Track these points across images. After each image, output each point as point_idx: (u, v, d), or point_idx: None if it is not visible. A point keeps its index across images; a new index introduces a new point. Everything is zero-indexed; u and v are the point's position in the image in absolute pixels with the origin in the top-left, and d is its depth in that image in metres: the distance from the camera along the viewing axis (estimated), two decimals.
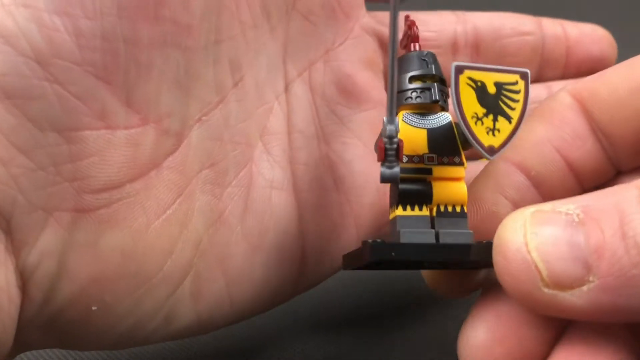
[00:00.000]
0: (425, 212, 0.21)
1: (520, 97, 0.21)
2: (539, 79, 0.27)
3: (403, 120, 0.22)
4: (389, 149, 0.19)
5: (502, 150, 0.20)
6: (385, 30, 0.27)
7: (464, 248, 0.20)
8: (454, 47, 0.28)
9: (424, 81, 0.22)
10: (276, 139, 0.24)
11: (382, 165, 0.20)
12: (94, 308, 0.19)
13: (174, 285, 0.21)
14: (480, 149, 0.20)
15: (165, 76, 0.20)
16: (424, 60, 0.22)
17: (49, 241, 0.18)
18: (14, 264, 0.18)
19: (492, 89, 0.20)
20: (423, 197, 0.21)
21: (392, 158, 0.19)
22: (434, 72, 0.22)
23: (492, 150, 0.20)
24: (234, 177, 0.22)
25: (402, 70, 0.22)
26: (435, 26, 0.28)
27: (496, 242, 0.18)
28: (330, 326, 0.29)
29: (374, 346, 0.27)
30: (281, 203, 0.23)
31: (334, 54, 0.25)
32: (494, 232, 0.20)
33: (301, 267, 0.24)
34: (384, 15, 0.27)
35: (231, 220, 0.22)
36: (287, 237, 0.23)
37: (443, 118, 0.22)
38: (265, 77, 0.23)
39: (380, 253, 0.19)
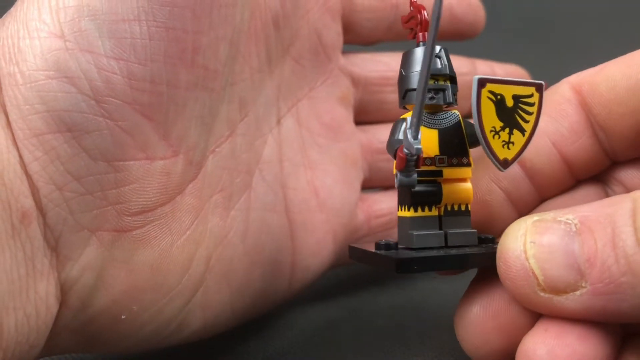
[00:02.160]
0: (434, 212, 0.22)
1: (534, 109, 0.21)
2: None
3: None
4: (410, 160, 0.20)
5: (514, 163, 0.21)
6: (356, 70, 0.31)
7: (474, 258, 0.21)
8: None
9: (436, 80, 0.22)
10: (270, 167, 0.27)
11: (401, 173, 0.20)
12: (123, 317, 0.21)
13: (188, 296, 0.23)
14: (496, 162, 0.21)
15: (194, 114, 0.22)
16: (438, 57, 0.22)
17: (90, 257, 0.20)
18: (56, 278, 0.20)
19: (510, 102, 0.21)
20: (434, 198, 0.22)
21: (412, 168, 0.20)
22: (448, 72, 0.22)
23: (505, 163, 0.21)
24: (236, 201, 0.25)
25: (412, 66, 0.22)
26: (396, 66, 0.31)
27: (499, 248, 0.20)
28: (331, 324, 0.30)
29: (374, 344, 0.27)
30: (275, 223, 0.26)
31: (316, 92, 0.29)
32: (485, 219, 0.23)
33: (291, 278, 0.27)
34: (356, 57, 0.31)
35: (235, 239, 0.25)
36: (281, 253, 0.26)
37: (453, 117, 0.22)
38: (263, 112, 0.26)
39: (406, 268, 0.20)
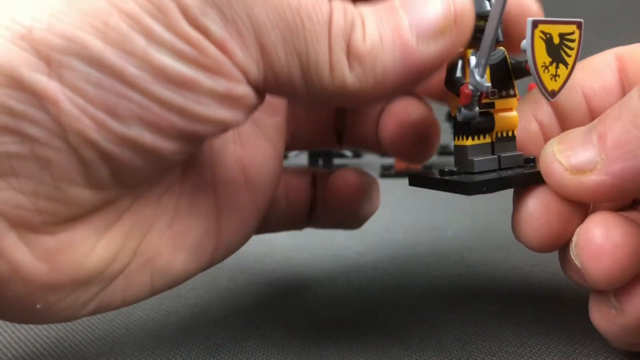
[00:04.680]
0: (488, 139, 0.25)
1: (575, 45, 0.24)
2: None
3: (470, 60, 0.23)
4: (475, 97, 0.22)
5: (560, 93, 0.24)
6: None
7: (530, 176, 0.24)
8: None
9: (486, 20, 0.23)
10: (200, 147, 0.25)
11: (465, 107, 0.23)
12: (38, 306, 0.21)
13: (108, 282, 0.23)
14: (545, 93, 0.24)
15: None
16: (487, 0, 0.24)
17: (7, 249, 0.19)
18: None
19: (556, 40, 0.23)
20: (489, 127, 0.24)
21: (475, 104, 0.23)
22: None
23: (553, 94, 0.24)
24: (169, 187, 0.24)
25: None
26: None
27: (540, 156, 0.23)
28: (331, 323, 0.30)
29: (374, 343, 0.28)
30: (202, 205, 0.25)
31: None
32: (522, 140, 0.26)
33: (212, 256, 0.26)
34: None
35: (162, 225, 0.24)
36: (206, 234, 0.26)
37: (500, 54, 0.24)
38: None
39: (477, 190, 0.23)
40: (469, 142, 0.24)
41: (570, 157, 0.22)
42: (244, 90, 0.20)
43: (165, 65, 0.19)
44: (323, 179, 0.31)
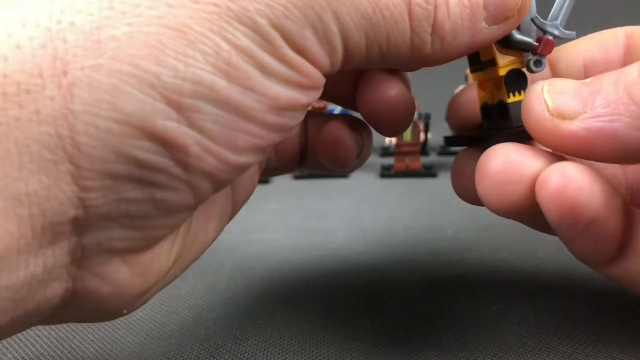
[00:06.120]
0: None
1: None
2: None
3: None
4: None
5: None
6: None
7: None
8: None
9: None
10: None
11: (542, 57, 0.24)
12: (124, 312, 0.22)
13: (167, 272, 0.23)
14: None
15: None
16: None
17: (111, 272, 0.20)
18: (71, 285, 0.19)
19: None
20: None
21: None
22: None
23: None
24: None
25: None
26: None
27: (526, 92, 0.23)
28: (331, 324, 0.30)
29: (374, 343, 0.28)
30: None
31: None
32: None
33: (231, 216, 0.28)
34: None
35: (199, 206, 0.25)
36: (227, 199, 0.26)
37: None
38: None
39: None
40: (523, 96, 0.25)
41: (557, 100, 0.22)
42: (319, 93, 0.21)
43: (278, 94, 0.19)
44: (315, 126, 0.31)
